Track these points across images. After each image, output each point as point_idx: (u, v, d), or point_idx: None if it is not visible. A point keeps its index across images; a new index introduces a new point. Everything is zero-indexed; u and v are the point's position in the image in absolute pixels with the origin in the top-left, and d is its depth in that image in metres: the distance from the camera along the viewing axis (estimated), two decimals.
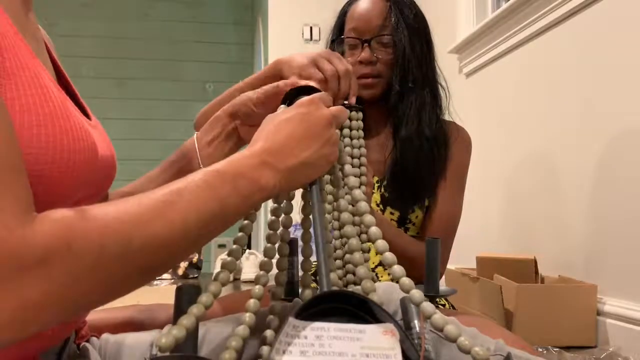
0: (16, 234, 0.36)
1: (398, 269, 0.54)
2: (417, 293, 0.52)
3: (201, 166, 0.73)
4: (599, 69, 1.63)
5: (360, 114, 0.85)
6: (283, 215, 0.60)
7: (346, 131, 0.84)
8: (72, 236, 0.38)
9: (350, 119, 0.84)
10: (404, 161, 1.18)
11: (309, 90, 0.65)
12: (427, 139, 1.17)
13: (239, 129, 0.76)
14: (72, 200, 0.48)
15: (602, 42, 1.62)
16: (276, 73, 0.87)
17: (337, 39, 1.24)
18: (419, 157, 1.17)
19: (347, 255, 0.78)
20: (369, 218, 0.58)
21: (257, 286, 0.55)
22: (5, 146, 0.38)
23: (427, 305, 0.51)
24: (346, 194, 0.63)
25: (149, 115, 4.64)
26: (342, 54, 1.22)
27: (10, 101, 0.42)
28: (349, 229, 0.59)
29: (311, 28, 3.45)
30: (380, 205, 1.20)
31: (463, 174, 1.24)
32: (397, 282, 0.54)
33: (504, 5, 2.12)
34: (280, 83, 0.72)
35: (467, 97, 2.38)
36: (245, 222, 0.56)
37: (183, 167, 0.75)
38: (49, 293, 0.37)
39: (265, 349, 0.56)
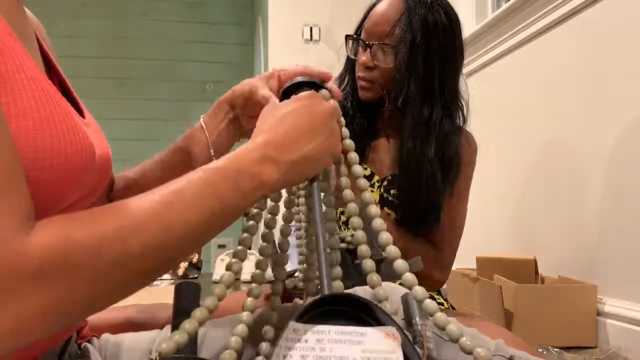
0: (13, 246, 0.36)
1: (401, 263, 0.53)
2: (420, 290, 0.51)
3: (211, 149, 0.73)
4: (599, 69, 1.63)
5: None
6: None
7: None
8: (68, 247, 0.38)
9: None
10: (406, 186, 1.15)
11: (309, 86, 0.64)
12: (429, 162, 1.11)
13: (240, 118, 0.75)
14: (68, 201, 0.47)
15: (602, 42, 1.61)
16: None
17: (348, 35, 1.23)
18: (419, 185, 1.12)
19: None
20: (374, 209, 0.57)
21: (254, 285, 0.54)
22: (5, 155, 0.38)
23: (430, 303, 0.51)
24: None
25: (149, 115, 4.63)
26: (355, 51, 1.22)
27: (5, 105, 0.41)
28: (355, 220, 0.58)
29: (311, 28, 3.44)
30: (378, 205, 1.19)
31: (468, 181, 1.23)
32: (400, 276, 0.53)
33: (504, 5, 2.12)
34: (280, 72, 0.71)
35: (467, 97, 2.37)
36: (251, 222, 0.55)
37: (188, 149, 0.74)
38: (47, 304, 0.37)
39: (263, 345, 0.56)
